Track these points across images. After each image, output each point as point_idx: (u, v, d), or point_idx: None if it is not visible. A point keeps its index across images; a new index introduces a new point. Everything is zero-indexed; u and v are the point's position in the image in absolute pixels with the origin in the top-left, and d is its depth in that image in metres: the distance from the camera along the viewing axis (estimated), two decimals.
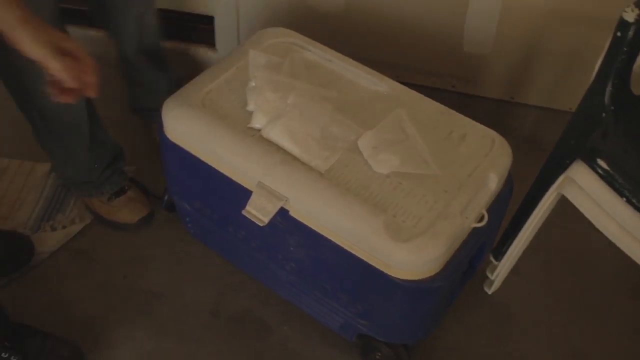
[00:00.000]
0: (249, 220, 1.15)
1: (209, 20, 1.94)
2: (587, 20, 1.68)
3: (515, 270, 1.43)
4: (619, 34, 1.03)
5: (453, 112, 1.27)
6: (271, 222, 1.14)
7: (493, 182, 1.16)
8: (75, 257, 1.55)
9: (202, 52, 2.01)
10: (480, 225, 1.13)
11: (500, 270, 1.43)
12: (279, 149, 1.15)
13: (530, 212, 1.28)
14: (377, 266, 1.08)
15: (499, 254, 1.42)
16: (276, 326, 1.44)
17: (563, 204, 1.20)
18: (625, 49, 1.04)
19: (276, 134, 1.16)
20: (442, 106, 1.28)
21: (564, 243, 1.61)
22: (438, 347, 1.42)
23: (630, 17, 1.01)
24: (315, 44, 1.38)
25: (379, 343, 1.29)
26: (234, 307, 1.47)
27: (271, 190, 1.14)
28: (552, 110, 1.91)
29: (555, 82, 1.86)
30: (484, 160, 1.18)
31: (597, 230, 1.11)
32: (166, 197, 1.54)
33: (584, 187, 1.11)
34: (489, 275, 1.47)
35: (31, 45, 0.91)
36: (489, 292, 1.50)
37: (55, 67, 0.93)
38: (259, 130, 1.18)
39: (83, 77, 0.96)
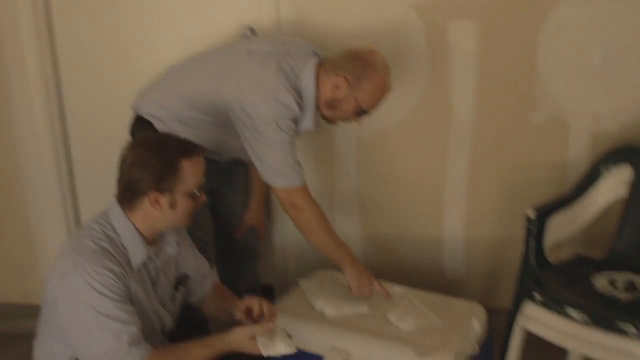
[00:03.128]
0: None
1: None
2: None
3: None
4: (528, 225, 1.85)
5: (443, 295, 2.01)
6: None
7: (476, 325, 1.84)
8: None
9: None
10: (473, 352, 1.77)
11: None
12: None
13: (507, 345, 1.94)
14: None
15: None
16: None
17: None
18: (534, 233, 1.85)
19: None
20: (437, 294, 2.02)
21: None
22: None
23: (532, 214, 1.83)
24: None
25: None
26: None
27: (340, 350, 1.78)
28: None
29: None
30: (468, 315, 1.87)
31: None
32: None
33: (533, 316, 1.82)
34: None
35: None
36: None
37: None
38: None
39: None
